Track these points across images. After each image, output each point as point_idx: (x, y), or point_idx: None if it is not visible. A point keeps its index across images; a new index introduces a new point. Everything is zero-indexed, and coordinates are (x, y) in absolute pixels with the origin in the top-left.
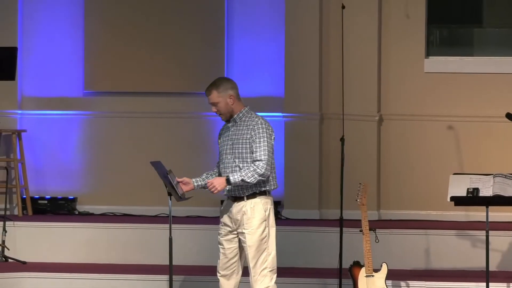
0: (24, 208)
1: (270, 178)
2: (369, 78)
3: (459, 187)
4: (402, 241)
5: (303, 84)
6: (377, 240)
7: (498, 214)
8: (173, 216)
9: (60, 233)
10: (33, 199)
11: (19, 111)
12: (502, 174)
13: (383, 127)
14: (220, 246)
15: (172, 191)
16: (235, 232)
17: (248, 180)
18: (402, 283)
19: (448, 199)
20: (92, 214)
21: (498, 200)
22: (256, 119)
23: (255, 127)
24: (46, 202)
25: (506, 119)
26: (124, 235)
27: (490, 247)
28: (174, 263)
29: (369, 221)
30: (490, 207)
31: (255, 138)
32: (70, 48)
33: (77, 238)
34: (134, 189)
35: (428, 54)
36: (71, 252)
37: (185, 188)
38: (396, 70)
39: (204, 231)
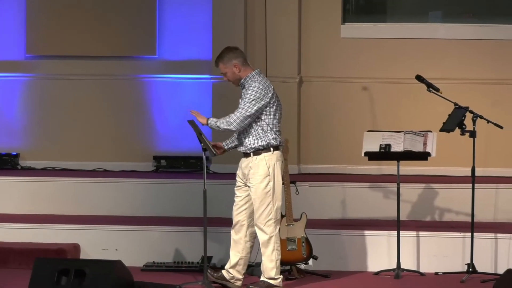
0: None
1: (269, 134)
2: (290, 43)
3: (372, 143)
4: (320, 193)
5: None
6: (297, 192)
7: (408, 168)
8: (108, 171)
9: (4, 186)
10: None
11: None
12: (412, 131)
13: (303, 88)
14: (235, 196)
15: (207, 147)
16: (246, 185)
17: (217, 124)
18: (320, 232)
19: (363, 154)
20: (34, 168)
21: (408, 155)
22: (253, 84)
23: (248, 90)
24: None
25: (416, 81)
26: (64, 188)
27: (400, 198)
28: (114, 213)
29: (290, 174)
30: (400, 162)
31: (244, 98)
32: (13, 14)
33: (20, 191)
34: (72, 146)
35: (344, 20)
36: (15, 204)
37: (217, 151)
38: (315, 36)
39: (137, 184)
